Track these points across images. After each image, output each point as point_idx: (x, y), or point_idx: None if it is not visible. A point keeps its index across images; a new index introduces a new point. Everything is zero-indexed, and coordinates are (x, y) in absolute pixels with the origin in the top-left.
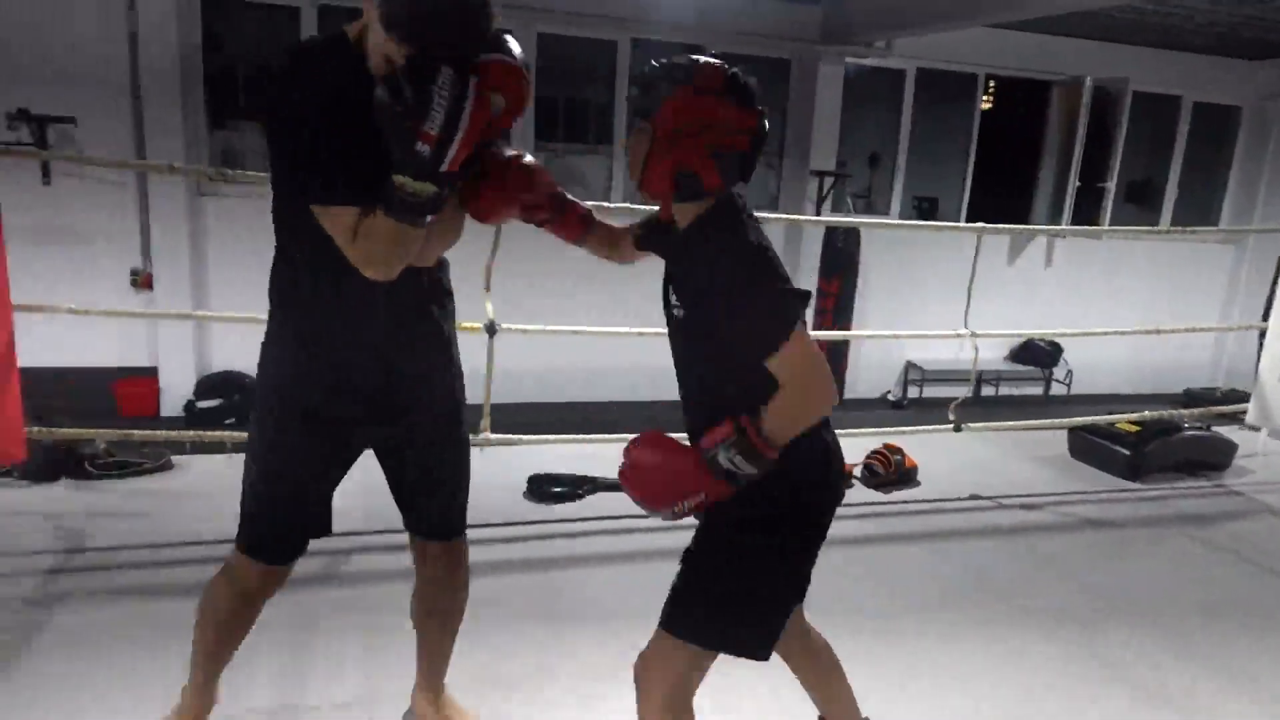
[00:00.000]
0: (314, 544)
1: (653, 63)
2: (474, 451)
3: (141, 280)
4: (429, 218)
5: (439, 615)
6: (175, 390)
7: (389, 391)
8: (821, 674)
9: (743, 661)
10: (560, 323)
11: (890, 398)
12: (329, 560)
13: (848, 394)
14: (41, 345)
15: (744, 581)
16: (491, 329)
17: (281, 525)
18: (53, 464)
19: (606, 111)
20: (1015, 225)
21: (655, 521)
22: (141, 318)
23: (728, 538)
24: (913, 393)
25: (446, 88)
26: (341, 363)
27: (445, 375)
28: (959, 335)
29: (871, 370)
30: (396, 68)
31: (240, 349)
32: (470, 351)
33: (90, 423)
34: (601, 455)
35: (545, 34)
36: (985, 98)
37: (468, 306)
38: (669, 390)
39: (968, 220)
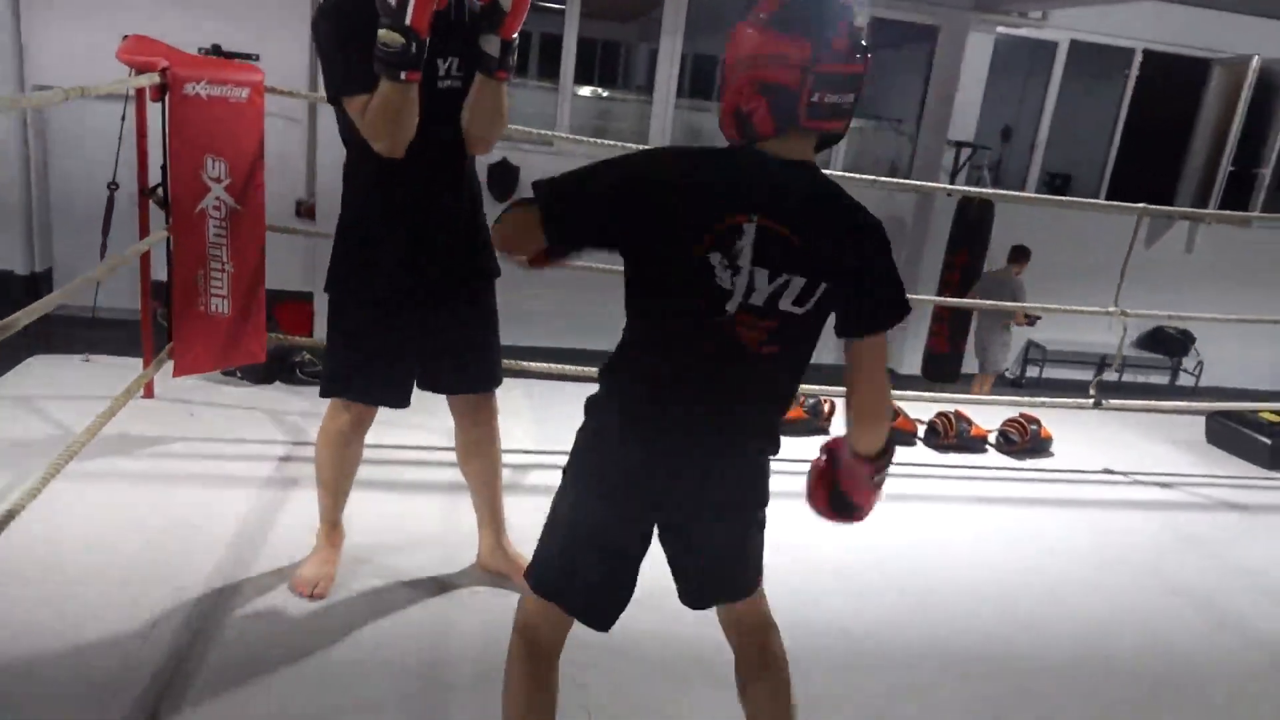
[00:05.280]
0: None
1: None
2: None
3: (305, 209)
4: (404, 74)
5: (478, 456)
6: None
7: (438, 262)
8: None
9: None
10: None
11: (1008, 375)
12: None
13: (964, 369)
14: None
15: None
16: None
17: (368, 375)
18: (269, 369)
19: None
20: (1176, 208)
21: (789, 462)
22: (304, 242)
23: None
24: (1031, 372)
25: None
26: (396, 245)
27: (473, 251)
28: (1108, 313)
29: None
30: None
31: None
32: None
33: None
34: None
35: None
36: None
37: None
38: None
39: (1106, 199)
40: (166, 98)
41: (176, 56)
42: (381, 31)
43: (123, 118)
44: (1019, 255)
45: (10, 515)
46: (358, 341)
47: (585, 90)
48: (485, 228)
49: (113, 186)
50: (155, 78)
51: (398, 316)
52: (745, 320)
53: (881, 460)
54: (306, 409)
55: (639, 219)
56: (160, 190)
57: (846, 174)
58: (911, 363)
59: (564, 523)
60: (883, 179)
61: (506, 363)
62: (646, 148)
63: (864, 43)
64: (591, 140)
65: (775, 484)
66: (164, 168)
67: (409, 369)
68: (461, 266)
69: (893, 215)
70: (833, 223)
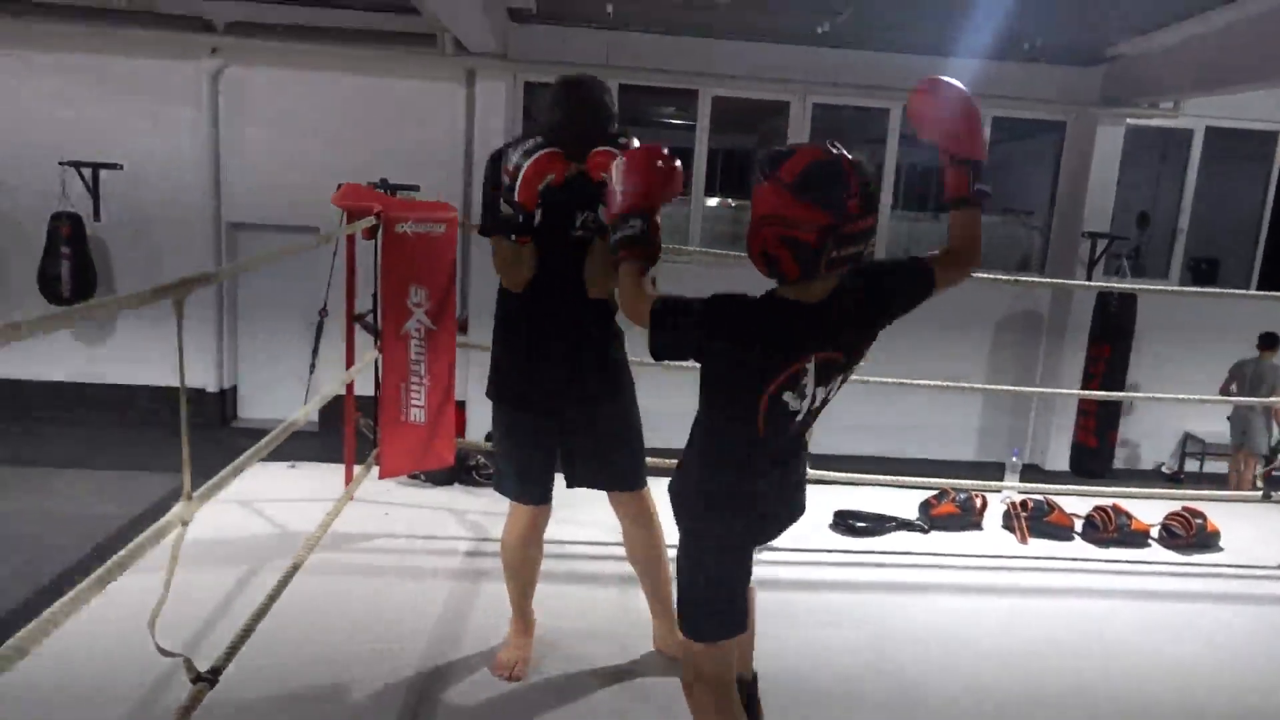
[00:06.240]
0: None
1: (774, 149)
2: None
3: (459, 324)
4: (514, 237)
5: (639, 551)
6: (477, 420)
7: (561, 381)
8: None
9: None
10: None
11: (1165, 470)
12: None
13: (1118, 464)
14: None
15: (687, 576)
16: None
17: (525, 475)
18: (449, 472)
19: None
20: None
21: (947, 557)
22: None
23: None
24: (1190, 466)
25: (525, 146)
26: (528, 363)
27: (599, 372)
28: (1263, 403)
29: (1145, 441)
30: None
31: None
32: None
33: None
34: (900, 500)
35: (820, 104)
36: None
37: None
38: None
39: (1259, 287)
40: (379, 236)
41: (384, 201)
42: (502, 199)
43: (334, 253)
44: (1269, 342)
45: (271, 600)
46: (500, 444)
47: (712, 201)
48: (612, 353)
49: (323, 313)
50: (372, 220)
51: (523, 423)
52: (806, 420)
53: None
54: (485, 508)
55: (720, 357)
56: (370, 316)
57: (976, 273)
58: (1059, 457)
59: (712, 568)
60: (1015, 277)
61: (660, 462)
62: (718, 295)
63: (875, 195)
64: (726, 253)
65: (931, 576)
66: (375, 296)
67: (543, 469)
68: (581, 384)
69: (1029, 309)
70: (857, 317)
